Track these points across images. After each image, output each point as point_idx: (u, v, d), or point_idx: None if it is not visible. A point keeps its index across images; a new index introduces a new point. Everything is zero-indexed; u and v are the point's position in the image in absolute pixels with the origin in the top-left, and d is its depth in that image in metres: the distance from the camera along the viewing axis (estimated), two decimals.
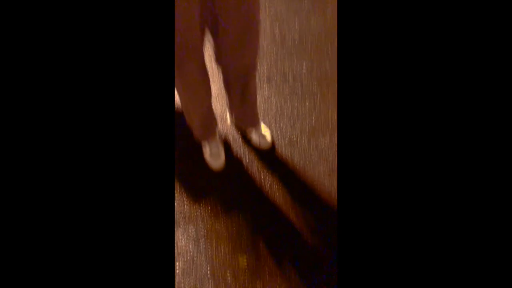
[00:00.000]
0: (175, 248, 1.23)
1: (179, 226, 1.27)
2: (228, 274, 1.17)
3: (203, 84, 1.13)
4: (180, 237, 1.25)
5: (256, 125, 1.44)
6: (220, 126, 1.53)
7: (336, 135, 1.50)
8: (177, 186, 1.37)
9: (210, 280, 1.16)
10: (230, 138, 1.51)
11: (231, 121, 1.49)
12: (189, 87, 1.11)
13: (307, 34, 1.92)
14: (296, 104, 1.62)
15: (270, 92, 1.66)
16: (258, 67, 1.74)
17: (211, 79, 1.20)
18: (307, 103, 1.62)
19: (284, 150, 1.46)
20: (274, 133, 1.51)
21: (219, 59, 1.14)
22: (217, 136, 1.43)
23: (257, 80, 1.68)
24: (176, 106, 1.59)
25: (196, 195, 1.35)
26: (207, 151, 1.40)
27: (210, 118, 1.32)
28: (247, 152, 1.46)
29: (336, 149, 1.45)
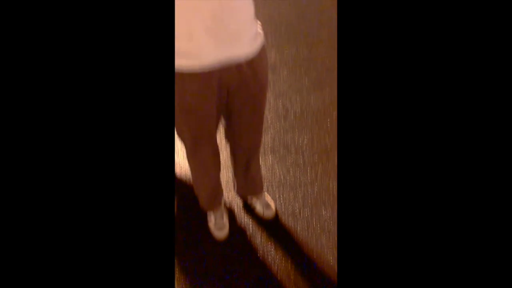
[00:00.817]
0: None
1: None
2: None
3: (214, 162, 1.21)
4: None
5: (259, 194, 1.48)
6: (225, 195, 1.57)
7: (336, 207, 1.53)
8: (178, 257, 1.36)
9: None
10: (235, 207, 1.54)
11: (236, 189, 1.53)
12: (201, 165, 1.18)
13: (307, 108, 2.06)
14: (298, 174, 1.68)
15: (273, 162, 1.74)
16: (263, 140, 1.84)
17: (220, 155, 1.28)
18: (308, 174, 1.68)
19: (287, 220, 1.48)
20: (277, 203, 1.55)
21: (228, 137, 1.24)
22: (222, 206, 1.46)
23: (261, 150, 1.76)
24: (179, 176, 1.65)
25: (198, 264, 1.33)
26: (212, 221, 1.42)
27: (217, 190, 1.37)
28: (251, 222, 1.48)
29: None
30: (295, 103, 2.10)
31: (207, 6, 0.73)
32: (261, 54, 0.91)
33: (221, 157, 1.43)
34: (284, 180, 1.65)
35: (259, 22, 0.90)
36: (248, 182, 1.43)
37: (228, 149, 1.36)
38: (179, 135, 1.07)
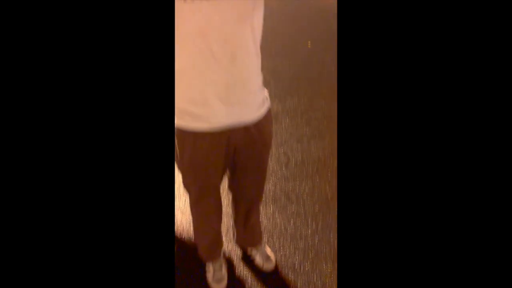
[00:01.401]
0: None
1: None
2: None
3: (216, 213, 1.21)
4: None
5: (258, 245, 1.45)
6: (225, 245, 1.54)
7: (336, 261, 1.49)
8: None
9: None
10: (234, 257, 1.49)
11: (235, 239, 1.51)
12: (203, 215, 1.18)
13: (308, 157, 2.10)
14: (299, 225, 1.66)
15: (275, 211, 1.73)
16: (264, 188, 1.85)
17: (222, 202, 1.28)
18: (309, 225, 1.66)
19: (287, 274, 1.43)
20: (277, 254, 1.51)
21: (231, 187, 1.25)
22: (221, 257, 1.42)
23: (263, 199, 1.76)
24: (177, 229, 1.63)
25: None
26: (210, 272, 1.38)
27: (217, 240, 1.35)
28: (250, 274, 1.43)
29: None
30: (296, 152, 2.14)
31: (221, 77, 0.79)
32: (267, 116, 0.96)
33: (222, 205, 1.43)
34: (285, 230, 1.63)
35: (266, 89, 0.97)
36: (248, 232, 1.42)
37: (230, 198, 1.36)
38: (185, 185, 1.09)
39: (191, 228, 1.38)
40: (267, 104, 0.96)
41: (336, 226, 1.65)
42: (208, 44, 0.73)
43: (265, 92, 0.96)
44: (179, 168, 1.00)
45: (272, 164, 2.03)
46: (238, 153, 0.99)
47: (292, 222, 1.67)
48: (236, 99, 0.84)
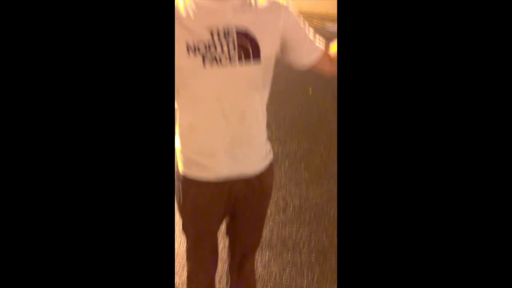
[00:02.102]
0: None
1: None
2: None
3: (212, 259, 1.18)
4: None
5: None
6: None
7: None
8: None
9: None
10: None
11: (228, 287, 1.44)
12: (199, 260, 1.15)
13: (306, 203, 2.08)
14: (294, 275, 1.60)
15: (270, 258, 1.67)
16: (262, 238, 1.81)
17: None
18: (305, 275, 1.60)
19: None
20: None
21: (229, 233, 1.23)
22: None
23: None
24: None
25: None
26: None
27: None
28: None
29: None
30: (295, 197, 2.13)
31: (229, 133, 0.82)
32: (269, 169, 0.98)
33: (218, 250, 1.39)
34: (280, 279, 1.56)
35: (269, 143, 1.00)
36: (242, 280, 1.36)
37: (227, 243, 1.33)
38: (184, 230, 1.07)
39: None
40: (270, 157, 0.98)
41: (333, 279, 1.59)
42: (221, 105, 0.77)
43: (269, 146, 0.99)
44: (180, 213, 0.99)
45: (270, 208, 2.00)
46: (239, 203, 0.99)
47: (287, 271, 1.61)
48: (241, 154, 0.87)
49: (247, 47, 0.72)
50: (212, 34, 0.70)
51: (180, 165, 0.91)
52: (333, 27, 14.77)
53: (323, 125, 3.17)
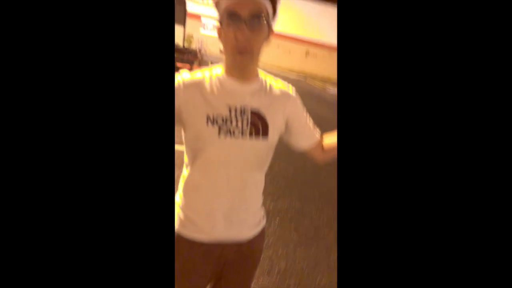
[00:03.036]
0: None
1: None
2: None
3: None
4: None
5: None
6: None
7: None
8: None
9: None
10: None
11: None
12: None
13: (292, 266, 1.99)
14: None
15: None
16: None
17: None
18: None
19: None
20: None
21: None
22: None
23: None
24: None
25: None
26: None
27: None
28: None
29: None
30: (281, 258, 2.05)
31: (229, 199, 0.85)
32: (261, 234, 0.98)
33: None
34: None
35: (263, 209, 1.00)
36: None
37: None
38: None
39: None
40: (263, 223, 0.99)
41: None
42: (227, 172, 0.82)
43: (263, 211, 1.00)
44: None
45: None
46: (227, 266, 0.97)
47: None
48: (238, 219, 0.89)
49: (258, 125, 0.81)
50: (230, 110, 0.78)
51: (176, 222, 0.90)
52: (333, 90, 15.67)
53: (317, 184, 3.18)
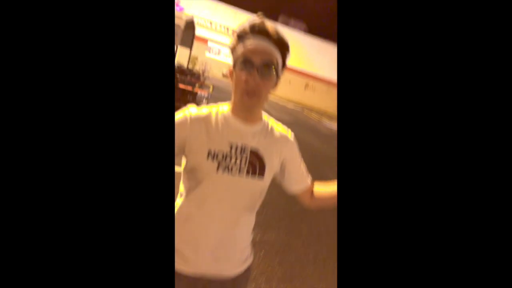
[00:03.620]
0: None
1: None
2: None
3: None
4: None
5: None
6: None
7: None
8: None
9: None
10: None
11: None
12: None
13: None
14: None
15: None
16: None
17: None
18: None
19: None
20: None
21: None
22: None
23: None
24: None
25: None
26: None
27: None
28: None
29: None
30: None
31: (218, 235, 0.85)
32: (246, 272, 0.95)
33: None
34: None
35: (251, 247, 0.98)
36: None
37: None
38: None
39: None
40: (249, 261, 0.97)
41: None
42: (221, 207, 0.83)
43: (250, 249, 0.97)
44: None
45: None
46: None
47: None
48: (224, 255, 0.87)
49: (255, 165, 0.83)
50: (231, 147, 0.81)
51: None
52: (329, 123, 15.95)
53: (307, 219, 3.10)
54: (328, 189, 0.92)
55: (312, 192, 0.95)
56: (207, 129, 0.80)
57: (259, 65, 0.75)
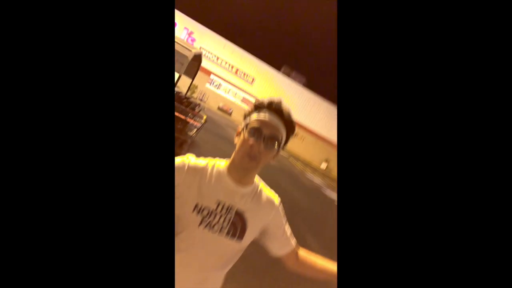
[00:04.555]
0: None
1: None
2: None
3: None
4: None
5: None
6: None
7: None
8: None
9: None
10: None
11: None
12: None
13: None
14: None
15: None
16: None
17: None
18: None
19: None
20: None
21: None
22: None
23: None
24: None
25: None
26: None
27: None
28: None
29: None
30: None
31: (183, 286, 0.83)
32: None
33: None
34: None
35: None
36: None
37: None
38: None
39: None
40: None
41: None
42: (189, 263, 0.83)
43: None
44: None
45: None
46: None
47: None
48: None
49: (237, 227, 0.85)
50: (217, 205, 0.83)
51: None
52: (310, 175, 16.07)
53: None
54: (318, 261, 0.93)
55: (297, 255, 0.96)
56: (200, 182, 0.83)
57: (266, 136, 0.82)
